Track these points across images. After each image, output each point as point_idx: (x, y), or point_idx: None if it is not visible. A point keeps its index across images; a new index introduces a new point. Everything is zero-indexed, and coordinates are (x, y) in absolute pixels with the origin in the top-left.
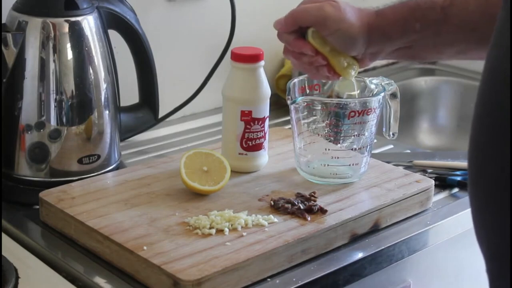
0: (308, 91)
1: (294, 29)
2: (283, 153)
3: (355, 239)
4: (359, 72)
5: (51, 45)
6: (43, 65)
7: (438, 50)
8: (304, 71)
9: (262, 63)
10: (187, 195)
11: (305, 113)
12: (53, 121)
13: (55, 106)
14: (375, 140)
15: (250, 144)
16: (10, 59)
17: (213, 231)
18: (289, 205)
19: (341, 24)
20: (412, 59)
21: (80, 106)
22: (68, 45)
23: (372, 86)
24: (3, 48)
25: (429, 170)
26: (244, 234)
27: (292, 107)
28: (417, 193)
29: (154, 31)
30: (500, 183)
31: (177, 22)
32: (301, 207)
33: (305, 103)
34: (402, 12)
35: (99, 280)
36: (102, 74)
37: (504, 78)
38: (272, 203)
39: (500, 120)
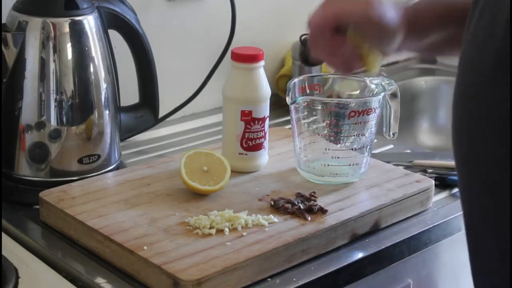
0: (308, 91)
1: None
2: (283, 153)
3: (355, 239)
4: (358, 72)
5: (51, 45)
6: (43, 65)
7: None
8: (333, 64)
9: (262, 63)
10: (187, 195)
11: (305, 113)
12: (53, 121)
13: (55, 106)
14: (375, 140)
15: (250, 144)
16: (10, 59)
17: (213, 231)
18: (289, 205)
19: (384, 23)
20: (439, 54)
21: (80, 106)
22: (68, 45)
23: (372, 86)
24: (3, 48)
25: (429, 170)
26: (244, 234)
27: (292, 107)
28: (417, 193)
29: (154, 31)
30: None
31: (177, 22)
32: (301, 207)
33: (305, 103)
34: (438, 9)
35: (99, 280)
36: (102, 74)
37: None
38: (272, 203)
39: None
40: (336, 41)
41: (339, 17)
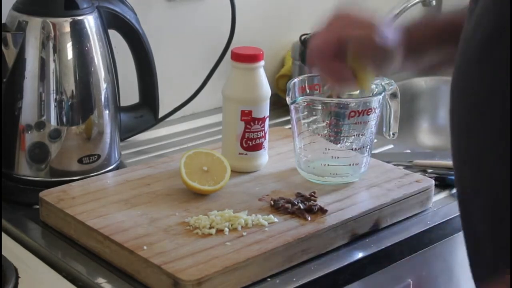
0: (308, 91)
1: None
2: (283, 153)
3: (355, 239)
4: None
5: (51, 45)
6: (43, 65)
7: None
8: (328, 82)
9: (262, 63)
10: (187, 195)
11: (305, 113)
12: (53, 121)
13: (55, 106)
14: (375, 140)
15: (250, 144)
16: (10, 59)
17: (213, 231)
18: (289, 205)
19: (387, 52)
20: (436, 72)
21: (80, 106)
22: (68, 45)
23: (372, 86)
24: (3, 48)
25: (429, 170)
26: (244, 234)
27: (292, 107)
28: (417, 193)
29: (154, 31)
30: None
31: (177, 22)
32: (301, 207)
33: (305, 103)
34: (433, 30)
35: (99, 280)
36: (102, 74)
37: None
38: (272, 203)
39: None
40: (335, 65)
41: (341, 41)
